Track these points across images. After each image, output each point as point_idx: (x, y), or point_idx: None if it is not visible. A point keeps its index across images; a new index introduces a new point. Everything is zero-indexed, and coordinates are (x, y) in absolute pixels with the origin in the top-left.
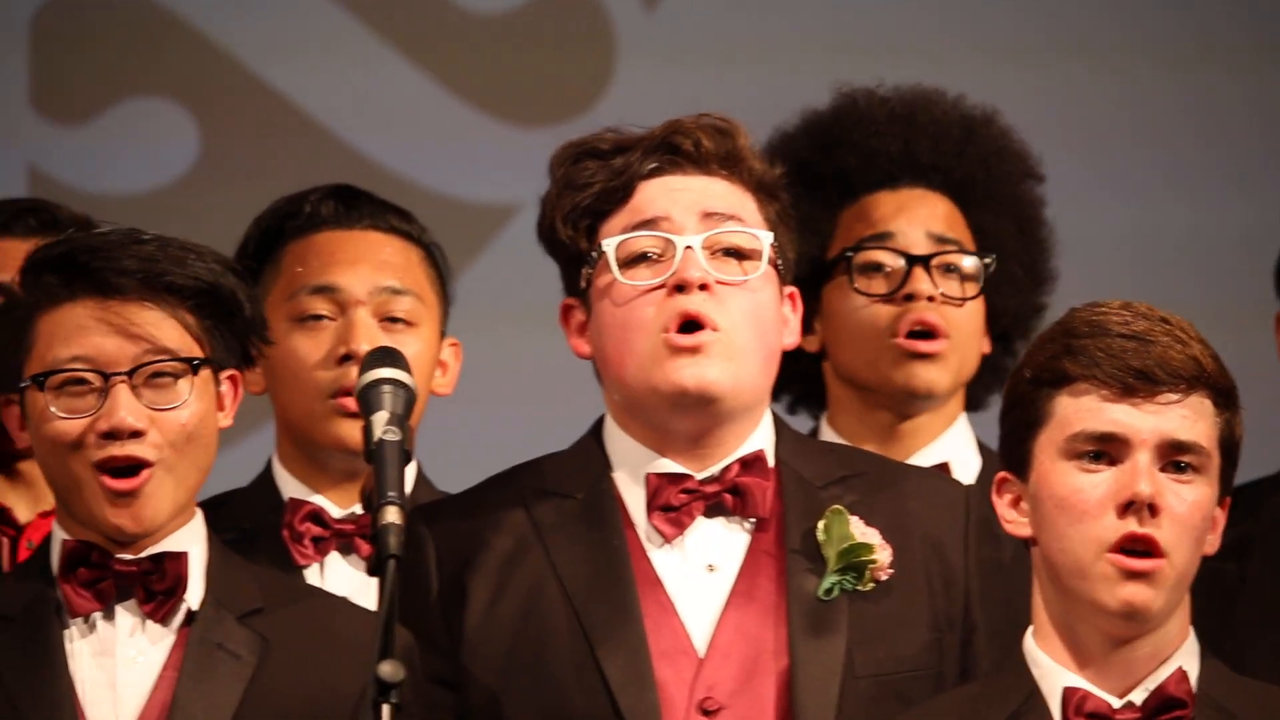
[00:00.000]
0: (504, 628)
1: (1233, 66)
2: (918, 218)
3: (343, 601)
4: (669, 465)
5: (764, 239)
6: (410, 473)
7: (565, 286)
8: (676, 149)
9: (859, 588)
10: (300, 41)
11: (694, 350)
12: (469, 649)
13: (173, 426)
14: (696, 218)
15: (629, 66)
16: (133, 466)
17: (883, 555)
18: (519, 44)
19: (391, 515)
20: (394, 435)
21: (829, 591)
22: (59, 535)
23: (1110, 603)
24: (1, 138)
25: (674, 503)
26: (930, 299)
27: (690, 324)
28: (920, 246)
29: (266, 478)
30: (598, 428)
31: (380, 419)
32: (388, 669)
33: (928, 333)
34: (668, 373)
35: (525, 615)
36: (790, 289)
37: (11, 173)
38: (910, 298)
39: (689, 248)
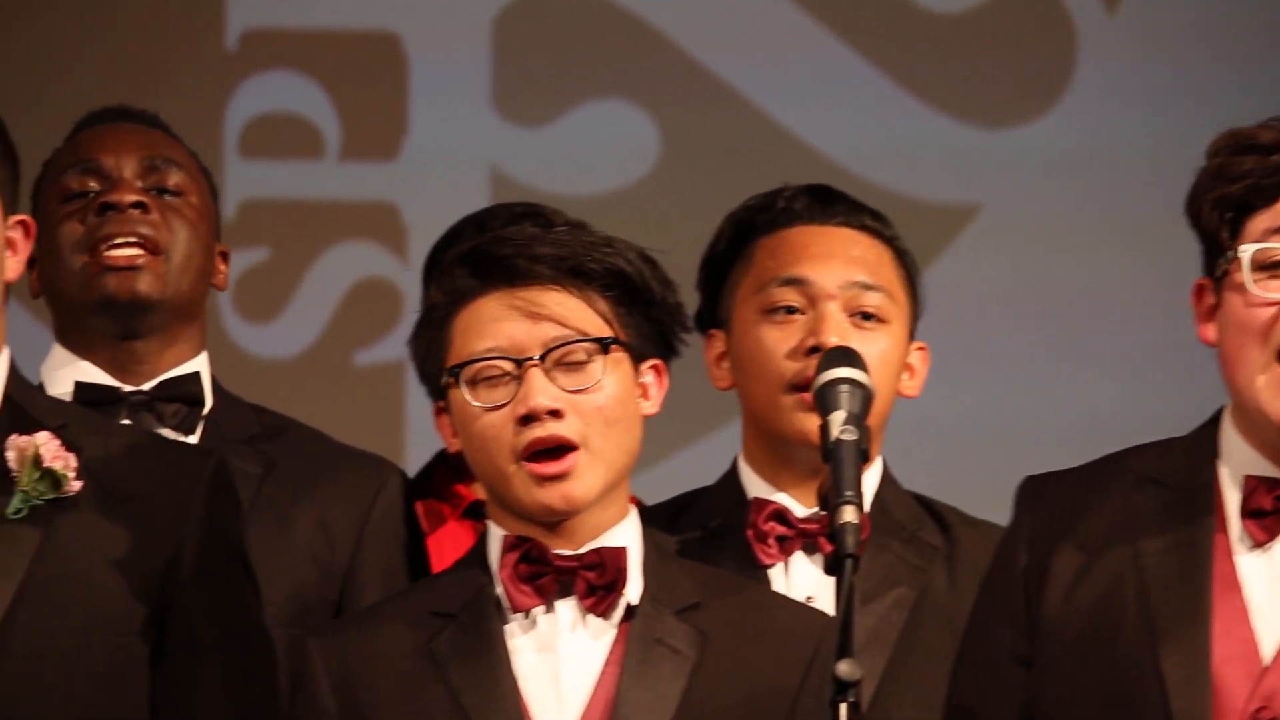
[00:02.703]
0: (1080, 613)
1: None
2: None
3: (777, 595)
4: (1268, 469)
5: None
6: (875, 473)
7: (1204, 265)
8: None
9: None
10: (759, 42)
11: None
12: (1046, 629)
13: (589, 408)
14: None
15: (1089, 68)
16: (558, 449)
17: None
18: (979, 44)
19: (848, 514)
20: (851, 435)
21: None
22: (496, 532)
23: None
24: (465, 141)
25: (1267, 507)
26: None
27: None
28: None
29: (732, 476)
30: (1216, 418)
31: (837, 419)
32: (845, 668)
33: None
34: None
35: (1100, 606)
36: None
37: (475, 175)
38: None
39: None
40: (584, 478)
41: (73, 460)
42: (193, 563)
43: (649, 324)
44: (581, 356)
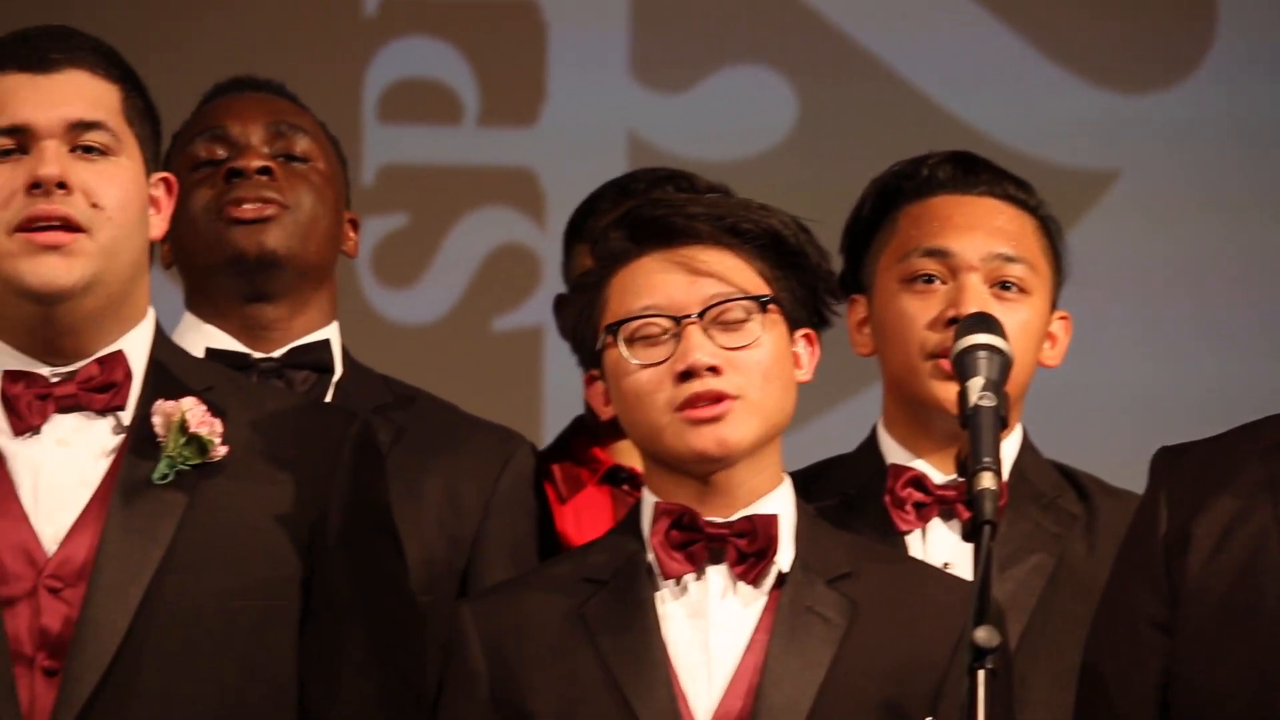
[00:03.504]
0: (1223, 578)
1: None
2: None
3: (930, 567)
4: None
5: None
6: (1015, 440)
7: None
8: None
9: None
10: (897, 8)
11: None
12: (1188, 595)
13: (747, 364)
14: None
15: (1229, 34)
16: (714, 399)
17: None
18: (1119, 9)
19: (986, 480)
20: (989, 401)
21: None
22: (650, 499)
23: None
24: (603, 106)
25: None
26: None
27: None
28: None
29: (871, 443)
30: None
31: (976, 384)
32: (983, 634)
33: None
34: None
35: (1244, 569)
36: None
37: (613, 140)
38: None
39: None
40: (739, 424)
41: (218, 425)
42: (338, 526)
43: (803, 290)
44: (740, 314)
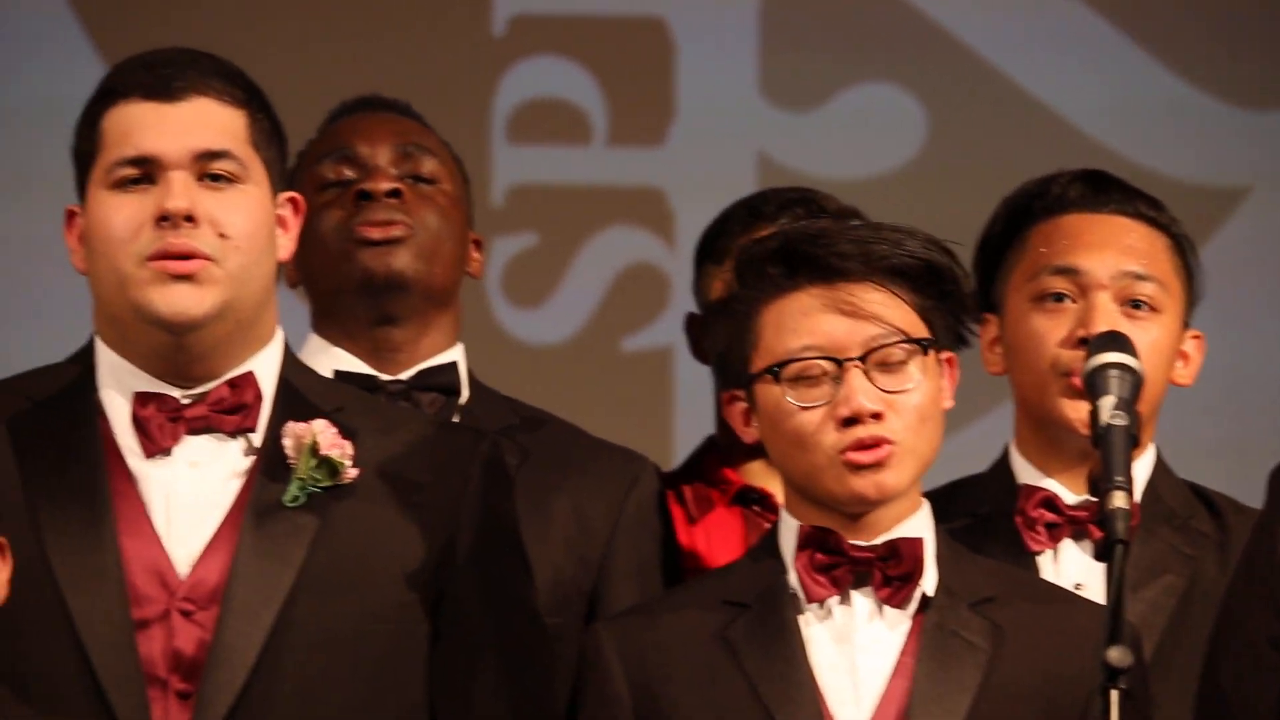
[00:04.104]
0: None
1: None
2: None
3: (1070, 593)
4: None
5: None
6: (1147, 460)
7: None
8: None
9: None
10: (1025, 25)
11: None
12: None
13: (907, 408)
14: None
15: None
16: (875, 444)
17: None
18: (1250, 26)
19: (1118, 500)
20: (1121, 420)
21: None
22: (791, 523)
23: None
24: (732, 126)
25: None
26: None
27: None
28: None
29: (1003, 463)
30: None
31: (1107, 403)
32: (1116, 654)
33: None
34: None
35: None
36: None
37: (742, 159)
38: None
39: None
40: (897, 469)
41: (349, 447)
42: (469, 547)
43: (950, 316)
44: (900, 356)
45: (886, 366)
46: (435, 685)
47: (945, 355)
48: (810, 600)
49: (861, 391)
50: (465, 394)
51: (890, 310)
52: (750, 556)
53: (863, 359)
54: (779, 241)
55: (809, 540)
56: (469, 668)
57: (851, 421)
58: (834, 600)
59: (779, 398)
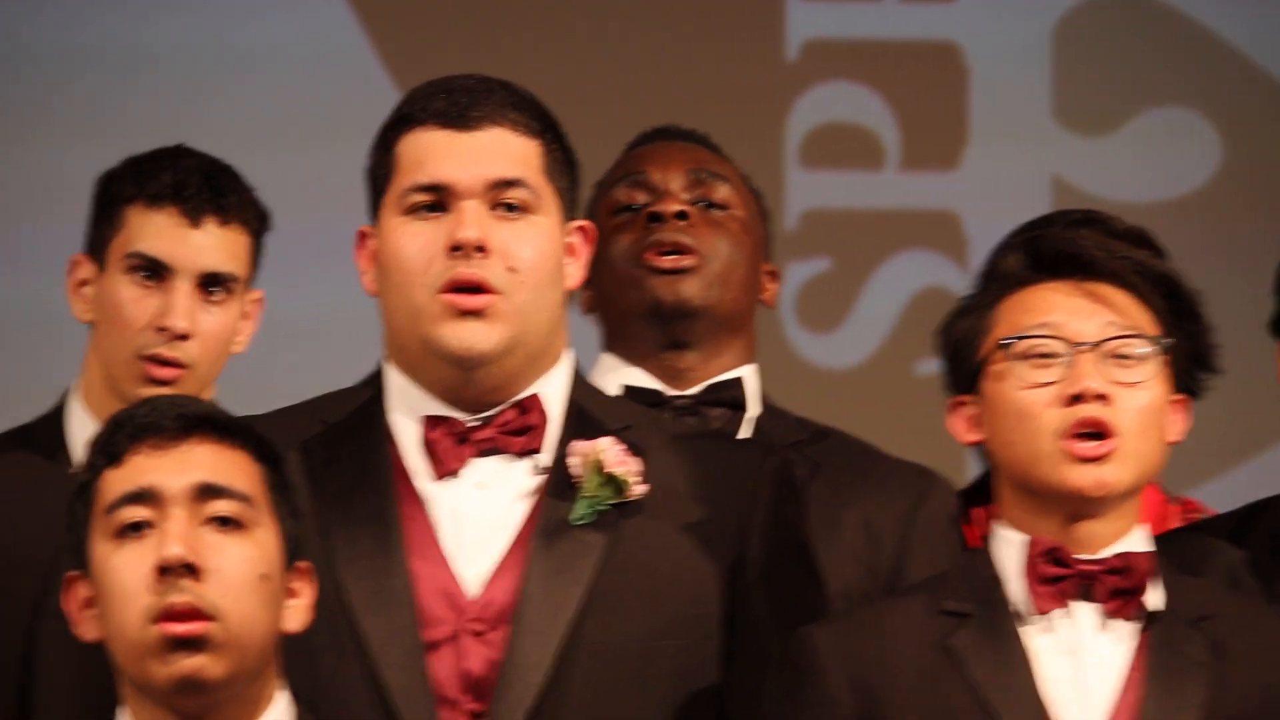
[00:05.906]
0: None
1: None
2: None
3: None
4: None
5: None
6: None
7: None
8: None
9: None
10: None
11: None
12: None
13: (1134, 403)
14: None
15: None
16: (1098, 434)
17: None
18: None
19: None
20: None
21: None
22: (1013, 536)
23: None
24: (1026, 150)
25: None
26: None
27: None
28: None
29: None
30: None
31: None
32: None
33: None
34: None
35: None
36: None
37: (1036, 183)
38: None
39: None
40: (1120, 466)
41: (635, 465)
42: (759, 562)
43: (1187, 351)
44: (1134, 351)
45: (1120, 359)
46: (729, 702)
47: (1177, 396)
48: (1035, 612)
49: (1092, 374)
50: (753, 409)
51: (1131, 308)
52: (962, 565)
53: (1097, 346)
54: (1021, 239)
55: (1039, 553)
56: (762, 684)
57: (1077, 400)
58: (1059, 612)
59: (1005, 374)
